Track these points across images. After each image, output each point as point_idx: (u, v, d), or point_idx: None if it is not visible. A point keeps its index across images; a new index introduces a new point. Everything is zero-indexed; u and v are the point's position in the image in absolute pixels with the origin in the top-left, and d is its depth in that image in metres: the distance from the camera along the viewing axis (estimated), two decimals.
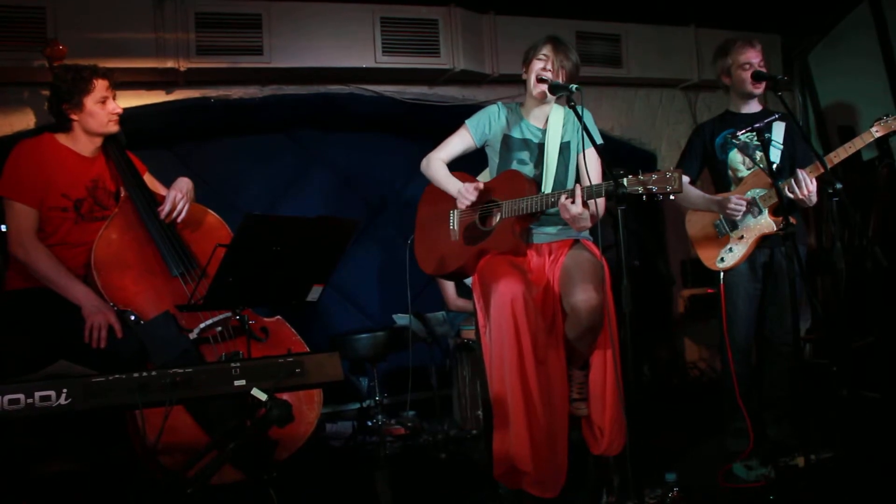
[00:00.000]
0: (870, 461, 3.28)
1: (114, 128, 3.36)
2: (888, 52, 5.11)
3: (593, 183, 3.05)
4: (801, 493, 3.02)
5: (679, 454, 3.80)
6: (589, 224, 3.14)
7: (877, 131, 3.45)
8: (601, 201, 3.23)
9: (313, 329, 4.38)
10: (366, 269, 5.60)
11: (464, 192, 3.25)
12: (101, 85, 3.29)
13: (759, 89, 3.74)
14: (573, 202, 2.96)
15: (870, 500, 2.96)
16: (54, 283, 3.13)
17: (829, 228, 5.17)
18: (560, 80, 3.19)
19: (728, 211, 3.61)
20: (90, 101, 3.26)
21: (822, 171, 3.31)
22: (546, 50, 3.23)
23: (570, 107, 2.95)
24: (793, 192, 3.44)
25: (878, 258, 4.01)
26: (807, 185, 3.42)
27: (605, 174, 2.90)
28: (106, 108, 3.30)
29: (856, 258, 4.54)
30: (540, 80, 3.21)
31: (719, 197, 3.69)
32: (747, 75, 3.71)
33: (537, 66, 3.23)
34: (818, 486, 2.95)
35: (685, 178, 3.82)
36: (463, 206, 3.28)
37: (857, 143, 3.47)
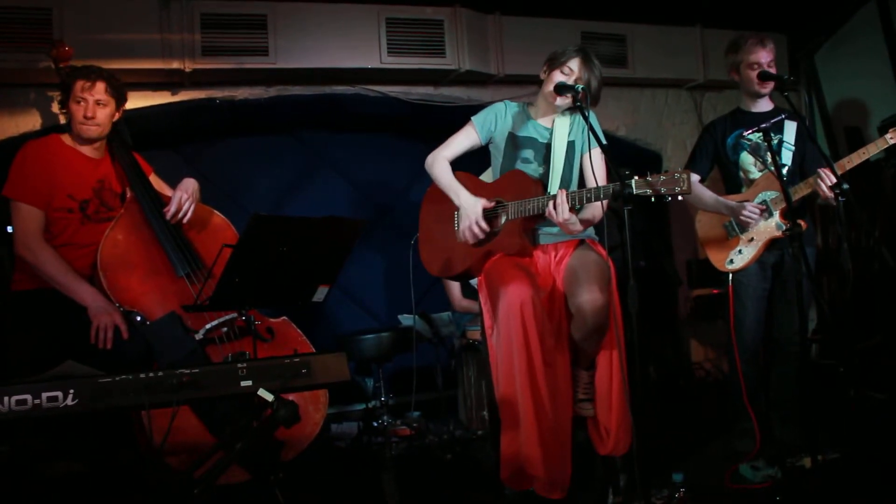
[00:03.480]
0: (877, 462, 3.27)
1: (88, 132, 3.29)
2: (895, 51, 5.10)
3: (598, 185, 3.04)
4: (807, 494, 3.01)
5: (685, 455, 3.79)
6: (580, 228, 3.13)
7: (891, 138, 3.43)
8: (599, 205, 3.23)
9: (319, 330, 4.38)
10: (372, 270, 5.61)
11: (473, 227, 3.22)
12: (80, 86, 3.24)
13: (767, 88, 3.73)
14: (558, 209, 2.96)
15: (877, 500, 2.95)
16: (61, 284, 3.13)
17: (835, 229, 5.16)
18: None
19: (742, 217, 3.60)
20: (70, 101, 3.27)
21: (833, 176, 3.31)
22: (573, 65, 3.19)
23: (577, 107, 2.94)
24: (819, 187, 3.41)
25: (884, 259, 4.00)
26: (832, 180, 3.39)
27: (612, 175, 2.89)
28: (80, 109, 3.26)
29: (862, 259, 4.53)
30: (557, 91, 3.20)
31: (733, 202, 3.67)
32: (754, 75, 3.70)
33: (560, 78, 3.21)
34: (825, 486, 2.94)
35: (695, 177, 3.81)
36: (467, 235, 3.27)
37: (871, 149, 3.46)
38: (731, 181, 3.84)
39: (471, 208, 3.24)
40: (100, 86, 3.28)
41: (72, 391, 2.15)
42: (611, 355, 3.09)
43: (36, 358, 2.95)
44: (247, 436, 2.37)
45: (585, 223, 3.22)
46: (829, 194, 3.40)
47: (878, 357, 4.41)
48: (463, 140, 3.42)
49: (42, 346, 3.05)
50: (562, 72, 3.21)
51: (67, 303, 3.11)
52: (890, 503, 2.94)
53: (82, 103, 3.26)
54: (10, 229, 3.29)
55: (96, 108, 3.27)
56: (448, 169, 3.40)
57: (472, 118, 3.42)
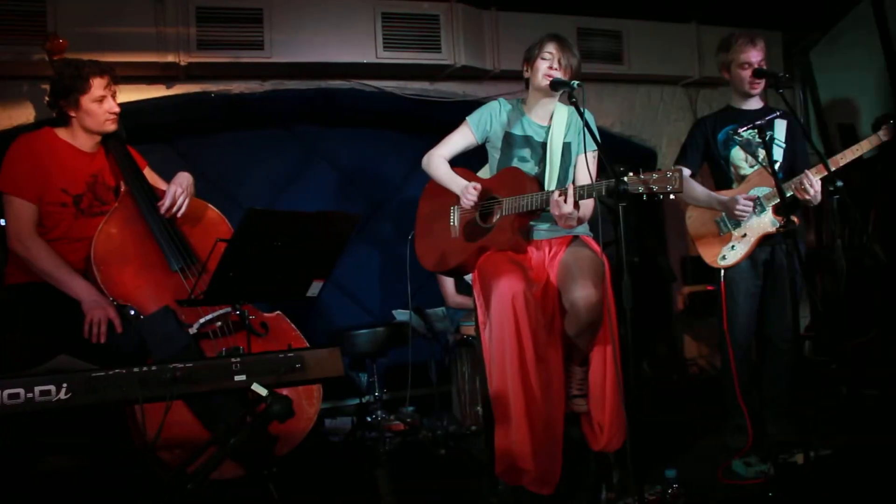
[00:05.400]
0: (869, 458, 3.28)
1: (111, 127, 3.33)
2: (889, 49, 5.11)
3: (592, 182, 3.05)
4: (800, 490, 3.02)
5: (679, 451, 3.80)
6: (576, 224, 3.13)
7: (884, 135, 3.45)
8: (591, 203, 3.24)
9: (313, 324, 4.38)
10: (366, 265, 5.60)
11: (465, 193, 3.24)
12: (98, 83, 3.25)
13: (758, 88, 3.74)
14: (565, 200, 2.96)
15: (869, 497, 2.96)
16: (54, 278, 3.12)
17: (829, 226, 5.18)
18: (566, 78, 3.18)
19: (736, 212, 3.60)
20: (87, 100, 3.24)
21: (825, 172, 3.31)
22: (551, 48, 3.23)
23: (572, 103, 2.95)
24: (800, 191, 3.44)
25: (877, 256, 4.01)
26: (812, 185, 3.42)
27: (605, 172, 2.90)
28: (103, 106, 3.27)
29: (856, 256, 4.55)
30: (546, 77, 3.20)
31: (725, 196, 3.67)
32: (746, 74, 3.70)
33: (543, 65, 3.22)
34: (817, 482, 2.95)
35: (686, 172, 3.82)
36: (465, 206, 3.27)
37: (863, 146, 3.48)
38: (721, 177, 3.85)
39: (468, 184, 3.25)
40: (111, 79, 3.30)
41: (65, 385, 2.15)
42: (604, 351, 3.10)
43: (29, 352, 2.94)
44: (240, 431, 2.37)
45: (578, 221, 3.23)
46: (808, 196, 3.43)
47: (871, 354, 4.43)
48: (458, 140, 3.43)
49: (35, 339, 3.03)
50: (542, 58, 3.23)
51: (61, 297, 3.10)
52: (881, 499, 2.95)
53: (105, 100, 3.27)
54: (2, 223, 3.28)
55: (113, 103, 3.31)
56: (445, 164, 3.41)
57: (468, 118, 3.43)
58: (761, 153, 3.57)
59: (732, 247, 3.71)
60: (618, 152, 5.50)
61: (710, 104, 5.66)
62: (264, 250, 2.81)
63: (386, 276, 5.58)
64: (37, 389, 2.11)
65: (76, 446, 2.77)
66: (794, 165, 3.70)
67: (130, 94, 4.22)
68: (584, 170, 3.28)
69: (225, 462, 2.46)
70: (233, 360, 2.40)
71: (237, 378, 2.37)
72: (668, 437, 4.02)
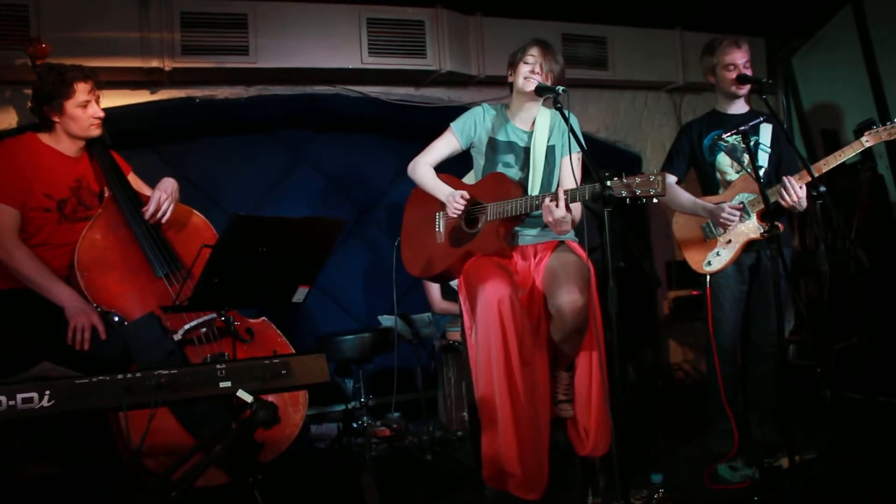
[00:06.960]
0: (853, 462, 3.30)
1: (96, 132, 3.31)
2: (870, 55, 5.16)
3: (577, 186, 3.05)
4: (785, 494, 3.03)
5: (664, 455, 3.81)
6: (570, 228, 3.14)
7: (867, 141, 3.47)
8: (579, 206, 3.25)
9: (299, 330, 4.36)
10: (352, 271, 5.59)
11: (452, 202, 3.24)
12: (82, 88, 3.24)
13: (743, 90, 3.76)
14: (556, 205, 2.96)
15: (853, 500, 2.98)
16: (37, 284, 3.09)
17: (813, 231, 5.21)
18: (547, 83, 3.19)
19: (721, 220, 3.61)
20: (71, 105, 3.22)
21: (809, 178, 3.33)
22: (534, 53, 3.24)
23: (557, 108, 2.95)
24: (783, 198, 3.46)
25: (860, 261, 4.04)
26: (795, 192, 3.44)
27: (590, 177, 2.91)
28: (87, 111, 3.25)
29: (839, 261, 4.58)
30: (528, 81, 3.21)
31: (711, 204, 3.69)
32: (731, 76, 3.73)
33: (524, 69, 3.24)
34: (802, 486, 2.96)
35: (672, 178, 3.83)
36: (452, 215, 3.27)
37: (846, 152, 3.49)
38: (708, 183, 3.86)
39: (454, 192, 3.26)
40: (94, 84, 3.29)
41: (48, 392, 2.13)
42: (590, 356, 3.10)
43: (11, 359, 2.91)
44: (225, 437, 2.36)
45: (571, 223, 3.23)
46: (791, 203, 3.45)
47: (855, 358, 4.46)
48: (443, 146, 3.43)
49: (17, 346, 3.01)
50: (525, 62, 3.25)
51: (44, 303, 3.07)
52: (865, 503, 2.97)
53: (89, 105, 3.26)
54: None
55: (97, 107, 3.29)
56: (430, 171, 3.42)
57: (452, 124, 3.43)
58: (746, 158, 3.59)
59: (717, 253, 3.73)
60: (602, 158, 5.53)
61: (694, 109, 5.69)
62: (249, 256, 2.80)
63: (372, 282, 5.58)
64: (19, 397, 2.09)
65: (59, 453, 2.75)
66: (780, 170, 3.72)
67: (114, 99, 4.20)
68: (569, 172, 3.29)
69: (210, 469, 2.44)
70: (218, 366, 2.38)
71: (222, 384, 2.36)
72: (653, 441, 4.04)
